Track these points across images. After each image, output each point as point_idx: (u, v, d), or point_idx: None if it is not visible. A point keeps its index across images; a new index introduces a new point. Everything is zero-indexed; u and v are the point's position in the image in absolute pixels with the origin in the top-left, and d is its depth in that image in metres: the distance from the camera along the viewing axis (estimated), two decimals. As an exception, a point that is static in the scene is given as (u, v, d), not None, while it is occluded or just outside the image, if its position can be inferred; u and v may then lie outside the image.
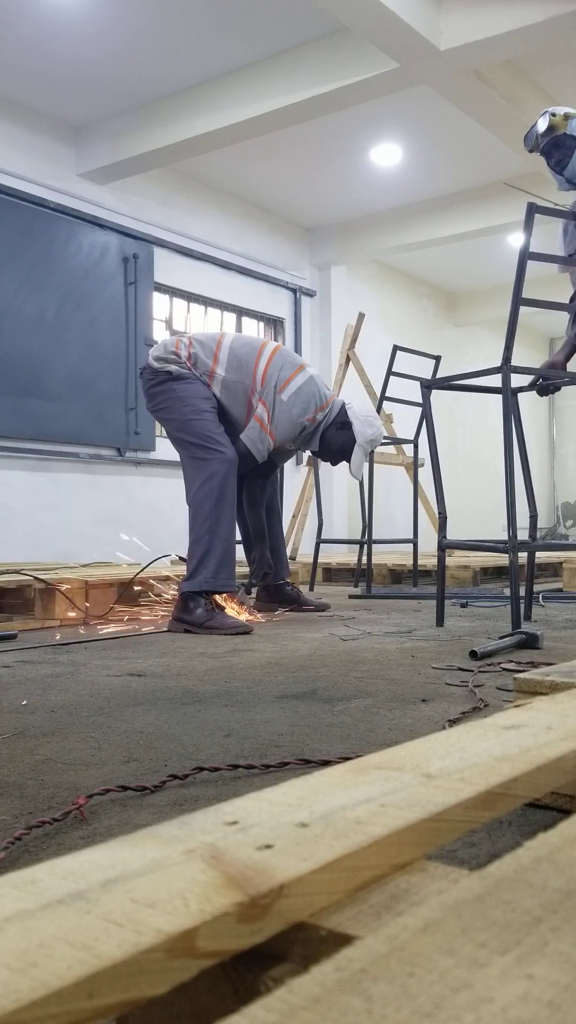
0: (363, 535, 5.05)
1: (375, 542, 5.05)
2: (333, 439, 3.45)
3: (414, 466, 5.50)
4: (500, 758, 0.69)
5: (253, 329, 8.94)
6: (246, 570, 3.65)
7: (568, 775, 0.72)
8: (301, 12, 5.53)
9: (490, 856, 0.85)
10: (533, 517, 3.33)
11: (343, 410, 3.46)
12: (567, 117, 3.19)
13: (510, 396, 2.61)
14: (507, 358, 2.57)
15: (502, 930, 0.40)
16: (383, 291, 10.48)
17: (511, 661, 2.14)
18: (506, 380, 2.63)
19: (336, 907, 0.47)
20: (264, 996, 0.35)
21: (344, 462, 3.50)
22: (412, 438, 5.20)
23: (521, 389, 3.07)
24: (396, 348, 4.92)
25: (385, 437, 5.07)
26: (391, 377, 4.90)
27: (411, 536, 5.26)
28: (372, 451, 3.57)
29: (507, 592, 4.59)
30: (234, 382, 3.27)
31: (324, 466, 6.37)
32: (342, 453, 3.48)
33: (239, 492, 3.38)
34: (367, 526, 4.92)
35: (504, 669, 2.04)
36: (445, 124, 6.91)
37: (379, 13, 4.95)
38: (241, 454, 3.22)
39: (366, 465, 3.97)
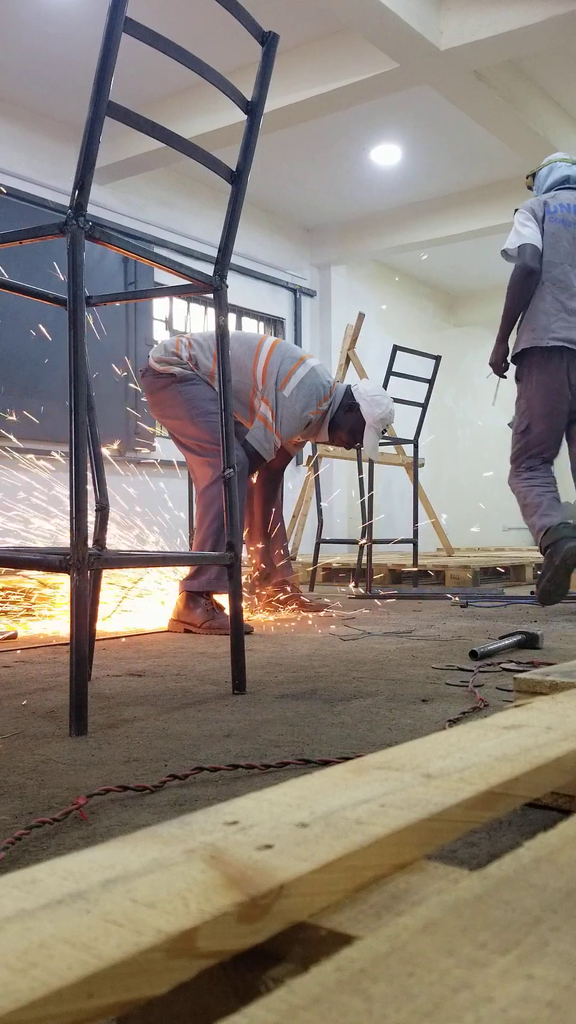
0: (363, 535, 5.05)
1: (375, 542, 5.05)
2: (342, 422, 3.44)
3: (414, 466, 5.50)
4: (500, 758, 0.69)
5: (253, 329, 8.94)
6: (248, 570, 3.65)
7: (568, 775, 0.72)
8: (301, 12, 5.53)
9: (490, 856, 0.85)
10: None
11: (348, 392, 3.45)
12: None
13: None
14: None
15: (502, 930, 0.40)
16: (383, 291, 10.48)
17: (511, 661, 2.14)
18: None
19: (336, 907, 0.47)
20: (264, 996, 0.35)
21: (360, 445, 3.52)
22: (412, 438, 5.20)
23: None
24: (396, 348, 4.93)
25: (385, 437, 5.07)
26: (391, 377, 4.90)
27: (411, 536, 5.26)
28: (385, 429, 3.55)
29: (507, 592, 4.59)
30: (234, 383, 3.25)
31: (324, 466, 6.35)
32: (353, 436, 3.47)
33: (250, 487, 3.38)
34: (367, 526, 4.92)
35: (504, 669, 2.04)
36: (445, 124, 6.91)
37: (379, 13, 4.95)
38: (249, 455, 3.19)
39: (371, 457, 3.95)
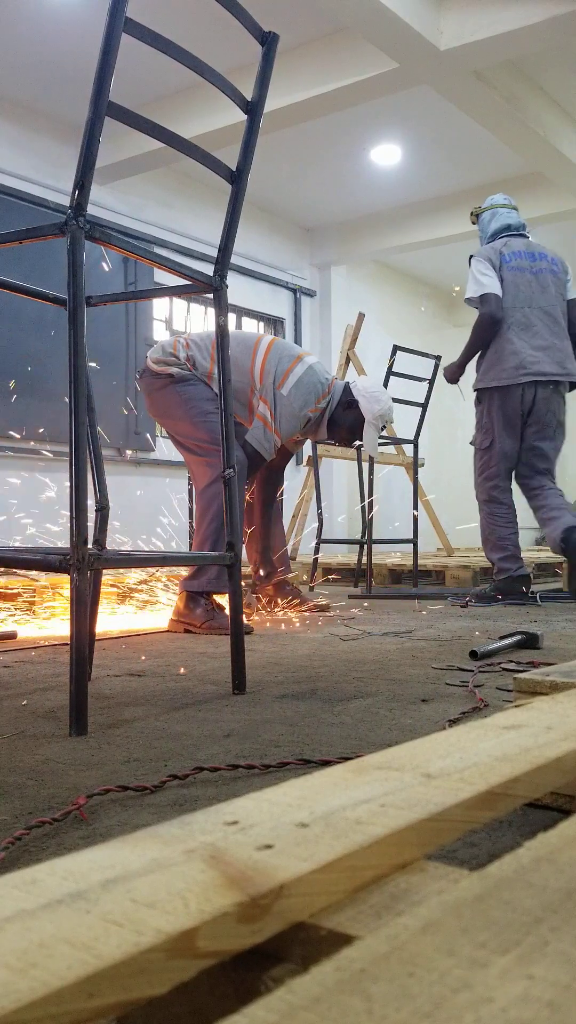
0: (363, 535, 5.05)
1: (375, 542, 5.04)
2: (341, 419, 3.44)
3: (414, 466, 5.50)
4: (500, 758, 0.69)
5: (253, 330, 8.94)
6: (247, 570, 3.64)
7: (568, 775, 0.72)
8: (301, 12, 5.53)
9: (490, 856, 0.85)
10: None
11: (347, 389, 3.44)
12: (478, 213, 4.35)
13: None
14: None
15: (502, 930, 0.40)
16: (383, 291, 10.47)
17: (511, 661, 2.14)
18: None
19: (336, 907, 0.47)
20: (264, 996, 0.35)
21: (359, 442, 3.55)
22: (412, 438, 5.20)
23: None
24: (396, 348, 4.92)
25: (385, 437, 5.06)
26: (391, 377, 4.90)
27: (411, 536, 5.26)
28: (384, 426, 3.55)
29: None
30: (232, 382, 3.24)
31: (324, 466, 6.34)
32: (352, 432, 3.47)
33: (252, 486, 3.38)
34: (367, 526, 4.92)
35: (504, 669, 2.04)
36: (445, 124, 6.91)
37: (379, 13, 4.95)
38: (250, 456, 3.18)
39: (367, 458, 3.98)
